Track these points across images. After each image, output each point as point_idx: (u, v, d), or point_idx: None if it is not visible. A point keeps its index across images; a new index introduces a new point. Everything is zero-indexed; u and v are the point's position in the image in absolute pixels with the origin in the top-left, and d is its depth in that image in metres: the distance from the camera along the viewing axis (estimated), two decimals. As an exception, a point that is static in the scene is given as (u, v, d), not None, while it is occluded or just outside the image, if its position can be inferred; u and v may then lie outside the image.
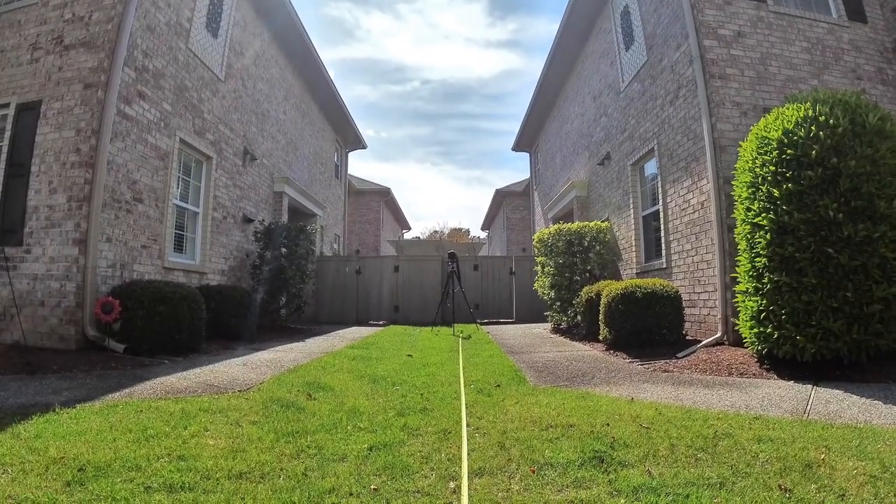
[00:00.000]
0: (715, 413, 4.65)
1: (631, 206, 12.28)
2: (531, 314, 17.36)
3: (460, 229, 74.10)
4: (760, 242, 6.11)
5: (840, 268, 5.53)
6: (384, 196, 34.51)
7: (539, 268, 14.03)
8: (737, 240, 6.80)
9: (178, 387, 5.89)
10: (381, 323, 17.79)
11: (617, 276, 12.99)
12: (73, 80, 8.39)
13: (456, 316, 16.19)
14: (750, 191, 6.43)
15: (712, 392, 5.53)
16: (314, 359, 8.56)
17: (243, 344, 10.13)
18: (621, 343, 8.89)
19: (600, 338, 9.61)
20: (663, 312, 8.56)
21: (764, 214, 6.06)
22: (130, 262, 8.97)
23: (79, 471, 3.34)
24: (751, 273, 6.36)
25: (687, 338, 9.08)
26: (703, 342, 8.24)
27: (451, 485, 3.48)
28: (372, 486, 3.45)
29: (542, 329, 14.43)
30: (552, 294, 13.03)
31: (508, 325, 16.64)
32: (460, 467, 3.74)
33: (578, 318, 11.72)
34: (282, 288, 13.61)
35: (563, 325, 13.27)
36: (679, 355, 7.87)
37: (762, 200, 6.14)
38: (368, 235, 33.34)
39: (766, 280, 6.04)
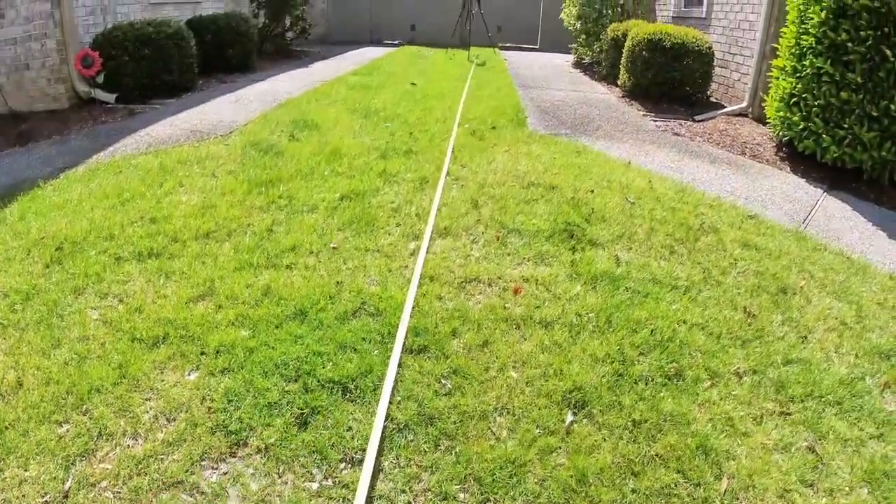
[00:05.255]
0: (710, 198, 4.37)
1: (684, -63, 10.54)
2: (556, 43, 16.04)
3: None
4: (812, 19, 5.22)
5: (893, 74, 4.79)
6: None
7: (567, -6, 12.67)
8: (788, 8, 5.87)
9: (163, 136, 5.51)
10: (396, 43, 16.61)
11: (650, 16, 11.73)
12: None
13: (476, 39, 15.01)
14: (816, -46, 5.36)
15: (716, 170, 5.21)
16: (310, 89, 8.03)
17: (242, 75, 9.48)
18: (639, 92, 8.28)
19: (619, 83, 8.97)
20: (690, 67, 7.80)
21: (824, -13, 5.10)
22: (112, 4, 7.94)
23: (57, 250, 3.21)
24: (793, 50, 5.57)
25: (710, 100, 8.44)
26: (726, 109, 7.66)
27: (412, 245, 3.34)
28: (332, 245, 3.32)
29: (564, 61, 13.51)
30: (578, 26, 11.90)
31: (530, 53, 15.59)
32: (427, 224, 3.58)
33: (601, 55, 10.87)
34: (283, 10, 12.35)
35: (587, 61, 12.37)
36: (697, 118, 7.36)
37: (826, -30, 5.12)
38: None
39: (807, 63, 5.30)
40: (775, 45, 6.20)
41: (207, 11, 10.48)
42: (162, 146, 5.21)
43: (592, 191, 4.22)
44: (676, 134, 6.49)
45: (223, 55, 9.45)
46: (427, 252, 3.25)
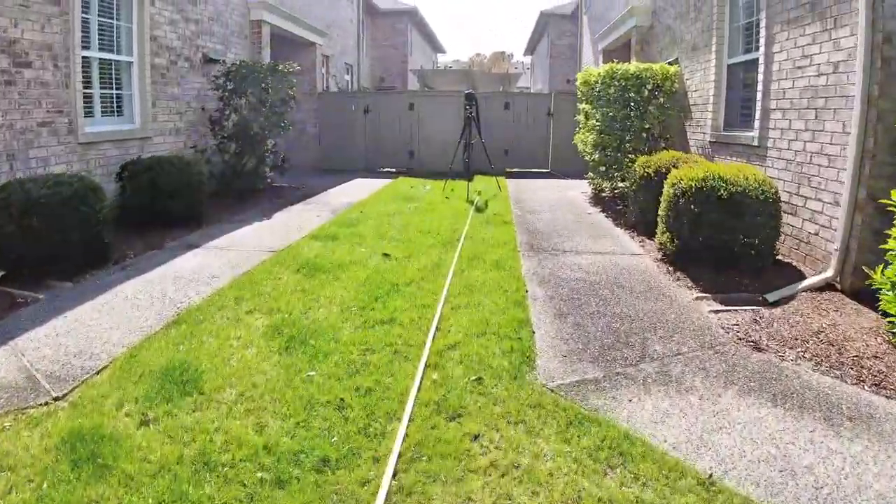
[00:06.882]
0: None
1: (713, 47, 8.78)
2: (569, 165, 14.39)
3: (503, 53, 70.10)
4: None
5: None
6: (412, 17, 29.88)
7: (581, 118, 11.02)
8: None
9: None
10: (392, 171, 15.40)
11: (683, 141, 9.99)
12: None
13: (480, 163, 13.35)
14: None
15: (841, 446, 3.13)
16: (242, 273, 6.17)
17: (184, 231, 7.90)
18: (687, 256, 6.27)
19: (657, 241, 6.96)
20: (754, 222, 5.84)
21: None
22: (24, 148, 6.61)
23: None
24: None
25: (777, 256, 6.42)
26: (807, 281, 5.59)
27: None
28: None
29: (580, 192, 11.74)
30: (596, 157, 10.18)
31: (540, 181, 13.99)
32: None
33: (624, 185, 9.13)
34: (253, 145, 10.93)
35: (606, 194, 10.62)
36: (770, 298, 5.37)
37: None
38: (394, 62, 29.19)
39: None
40: (886, 202, 4.32)
41: (161, 146, 9.16)
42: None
43: None
44: (757, 347, 4.45)
45: (163, 207, 7.94)
46: None
